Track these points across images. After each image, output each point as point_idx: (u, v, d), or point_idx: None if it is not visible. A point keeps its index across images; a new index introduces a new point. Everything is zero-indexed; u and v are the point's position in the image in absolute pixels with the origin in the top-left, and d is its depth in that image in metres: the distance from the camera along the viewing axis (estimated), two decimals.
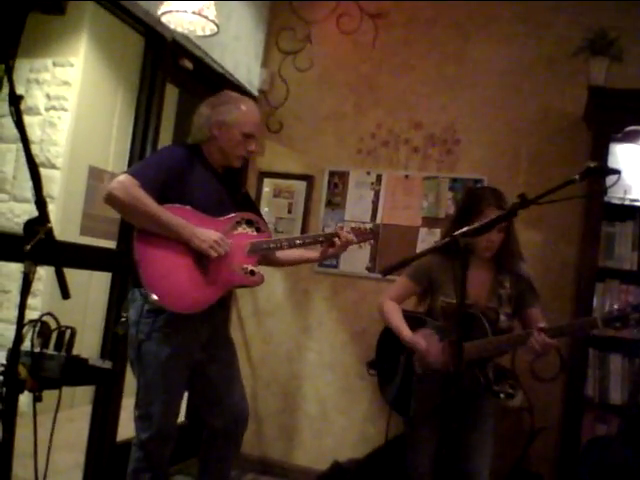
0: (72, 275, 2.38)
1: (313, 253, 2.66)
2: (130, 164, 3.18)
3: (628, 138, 3.23)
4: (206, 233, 2.28)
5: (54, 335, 2.04)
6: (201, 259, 2.30)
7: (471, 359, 2.34)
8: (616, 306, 2.18)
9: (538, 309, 2.50)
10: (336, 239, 2.51)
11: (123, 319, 2.38)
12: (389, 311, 2.57)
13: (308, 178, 3.99)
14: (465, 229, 1.89)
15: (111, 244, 3.29)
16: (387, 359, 2.62)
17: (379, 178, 3.85)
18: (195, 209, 2.33)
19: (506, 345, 2.39)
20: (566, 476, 2.97)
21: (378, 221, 3.79)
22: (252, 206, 2.65)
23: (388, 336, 2.60)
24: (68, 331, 2.02)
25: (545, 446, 3.30)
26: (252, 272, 2.40)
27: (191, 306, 2.29)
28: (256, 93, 4.03)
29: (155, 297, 2.21)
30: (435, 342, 2.42)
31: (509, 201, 2.40)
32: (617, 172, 1.98)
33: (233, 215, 2.43)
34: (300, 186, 4.00)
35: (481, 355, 2.36)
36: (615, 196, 3.19)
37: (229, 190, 2.50)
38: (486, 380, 2.40)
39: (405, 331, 2.49)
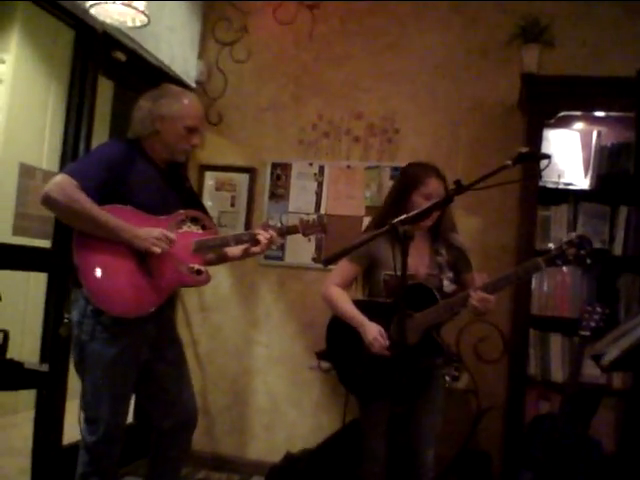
0: (9, 277, 2.31)
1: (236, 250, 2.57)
2: (63, 160, 3.09)
3: (561, 123, 3.32)
4: (146, 231, 2.23)
5: None
6: (144, 260, 2.25)
7: (428, 327, 2.37)
8: (551, 245, 2.28)
9: (472, 274, 2.57)
10: (260, 237, 2.44)
11: (66, 320, 2.32)
12: (336, 297, 2.54)
13: (250, 170, 3.96)
14: (403, 217, 1.91)
15: (46, 243, 3.19)
16: (339, 345, 2.62)
17: (321, 169, 3.85)
18: (137, 208, 2.27)
19: (451, 307, 2.40)
20: (512, 454, 3.05)
21: (322, 212, 3.80)
22: (197, 202, 2.60)
23: (338, 323, 2.60)
24: (1, 334, 1.96)
25: (491, 426, 3.38)
26: (198, 271, 2.37)
27: (135, 310, 2.24)
28: (194, 85, 3.96)
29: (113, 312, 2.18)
30: (384, 337, 2.41)
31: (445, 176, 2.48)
32: (547, 157, 2.02)
33: (177, 213, 2.38)
34: (242, 179, 3.97)
35: (436, 321, 2.39)
36: (550, 180, 3.29)
37: (173, 186, 2.45)
38: (445, 345, 2.47)
39: (357, 316, 2.46)
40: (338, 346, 2.61)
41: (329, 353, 2.70)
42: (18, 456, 3.14)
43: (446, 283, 2.46)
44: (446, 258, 2.50)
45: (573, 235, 2.24)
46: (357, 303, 2.53)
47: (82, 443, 2.30)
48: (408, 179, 2.50)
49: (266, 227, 2.48)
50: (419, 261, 2.47)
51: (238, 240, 2.47)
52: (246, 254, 2.52)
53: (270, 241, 2.46)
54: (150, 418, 2.52)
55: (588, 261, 2.22)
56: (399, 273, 2.43)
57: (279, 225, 2.56)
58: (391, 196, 2.59)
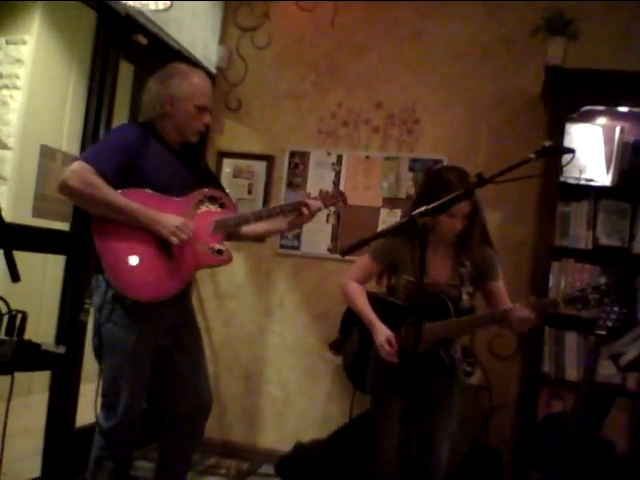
0: (27, 258, 2.32)
1: (280, 224, 2.58)
2: (83, 142, 3.10)
3: (584, 118, 3.28)
4: (167, 218, 2.20)
5: (5, 320, 1.99)
6: (165, 244, 2.22)
7: (436, 340, 2.33)
8: (578, 285, 2.22)
9: (500, 283, 2.48)
10: (304, 208, 2.47)
11: (87, 306, 2.31)
12: (354, 294, 2.53)
13: (268, 158, 3.95)
14: (423, 209, 1.88)
15: (65, 226, 3.21)
16: (351, 339, 2.61)
17: (339, 158, 3.83)
18: (154, 190, 2.25)
19: (462, 328, 2.38)
20: (523, 451, 3.03)
21: None
22: (214, 181, 2.57)
23: (352, 316, 2.59)
24: (19, 315, 1.97)
25: (503, 423, 3.37)
26: (219, 251, 2.34)
27: (158, 294, 2.22)
28: (214, 70, 3.95)
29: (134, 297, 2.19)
30: (394, 340, 2.39)
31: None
32: (572, 151, 1.99)
33: (195, 193, 2.35)
34: (260, 166, 3.96)
35: (445, 335, 2.35)
36: (571, 176, 3.25)
37: (189, 167, 2.43)
38: (451, 361, 2.40)
39: (371, 318, 2.44)
40: (349, 339, 2.61)
41: (342, 344, 2.70)
42: (31, 437, 3.16)
43: (465, 297, 2.40)
44: (470, 271, 2.43)
45: (602, 281, 2.18)
46: (373, 298, 2.52)
47: (98, 428, 2.30)
48: (433, 188, 2.34)
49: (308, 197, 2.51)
50: (441, 270, 2.43)
51: (257, 216, 2.45)
52: (292, 226, 2.57)
53: (316, 210, 2.49)
54: (165, 403, 2.51)
55: (608, 308, 2.19)
56: (415, 271, 2.41)
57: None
58: (416, 200, 2.47)
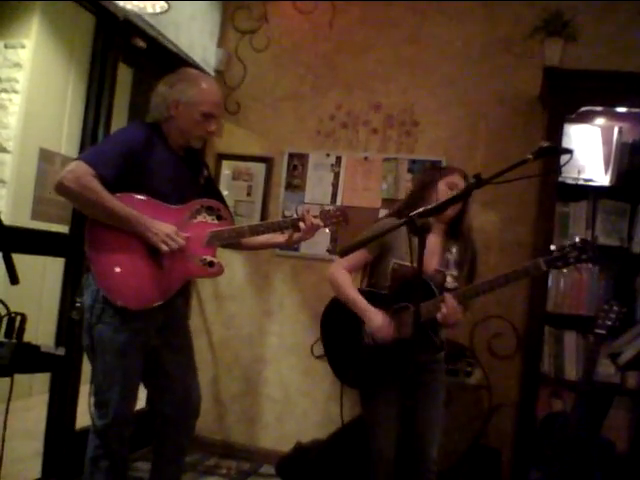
0: (27, 261, 2.33)
1: (280, 237, 2.57)
2: (82, 145, 3.11)
3: (582, 119, 3.28)
4: (159, 226, 2.20)
5: (4, 322, 1.99)
6: (156, 252, 2.23)
7: (423, 322, 2.33)
8: (554, 247, 2.27)
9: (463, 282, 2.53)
10: (301, 224, 2.42)
11: (78, 304, 2.32)
12: (342, 282, 2.53)
13: (267, 160, 3.95)
14: (421, 209, 1.89)
15: (64, 229, 3.21)
16: (335, 334, 2.61)
17: (339, 160, 3.84)
18: (153, 197, 2.25)
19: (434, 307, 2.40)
20: (523, 451, 3.03)
21: (338, 203, 3.79)
22: (214, 191, 2.56)
23: (335, 311, 2.59)
24: (18, 317, 1.97)
25: (503, 422, 3.37)
26: (211, 263, 2.34)
27: (144, 302, 2.23)
28: (212, 73, 3.96)
29: (119, 303, 2.18)
30: (389, 323, 2.42)
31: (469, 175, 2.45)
32: (569, 151, 1.99)
33: (192, 202, 2.34)
34: (259, 168, 3.96)
35: (426, 317, 2.34)
36: (569, 176, 3.25)
37: (191, 173, 2.42)
38: (440, 342, 2.44)
39: (362, 302, 2.46)
40: (334, 337, 2.61)
41: (324, 344, 2.69)
42: (31, 439, 3.16)
43: (449, 280, 2.45)
44: (455, 257, 2.48)
45: (577, 239, 2.24)
46: (363, 293, 2.52)
47: (92, 427, 2.31)
48: (435, 169, 2.56)
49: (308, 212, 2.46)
50: (429, 256, 2.44)
51: (254, 231, 2.43)
52: (290, 242, 2.51)
53: (314, 227, 2.44)
54: (154, 404, 2.52)
55: (590, 265, 2.20)
56: (412, 264, 2.42)
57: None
58: (417, 185, 2.62)
